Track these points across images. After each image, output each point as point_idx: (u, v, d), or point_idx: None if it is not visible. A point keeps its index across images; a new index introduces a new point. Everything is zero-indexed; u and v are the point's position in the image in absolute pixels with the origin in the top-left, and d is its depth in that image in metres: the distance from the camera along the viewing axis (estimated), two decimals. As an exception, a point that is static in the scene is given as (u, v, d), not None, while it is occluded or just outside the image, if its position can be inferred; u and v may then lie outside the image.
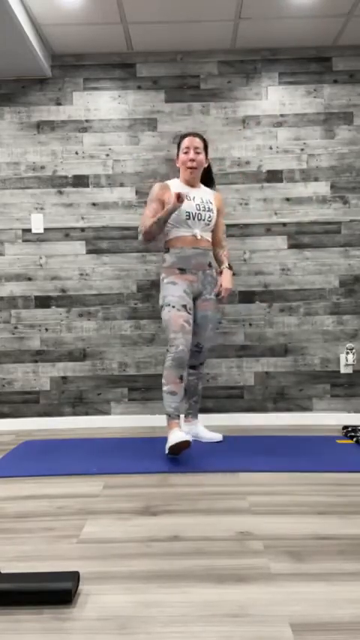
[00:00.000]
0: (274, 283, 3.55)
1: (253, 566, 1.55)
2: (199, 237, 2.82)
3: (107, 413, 3.57)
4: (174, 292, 2.77)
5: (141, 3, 3.03)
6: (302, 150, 3.55)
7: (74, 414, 3.57)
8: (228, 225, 3.56)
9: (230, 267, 2.92)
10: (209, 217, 2.84)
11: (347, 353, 3.53)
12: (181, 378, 2.69)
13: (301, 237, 3.55)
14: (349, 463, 2.52)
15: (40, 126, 3.57)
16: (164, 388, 2.70)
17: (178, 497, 2.15)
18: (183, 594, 1.41)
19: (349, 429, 3.14)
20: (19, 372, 3.57)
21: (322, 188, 3.54)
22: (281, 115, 3.56)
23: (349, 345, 3.54)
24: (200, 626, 1.27)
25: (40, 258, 3.57)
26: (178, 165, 2.89)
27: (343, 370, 3.54)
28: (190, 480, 2.34)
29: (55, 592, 1.37)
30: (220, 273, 2.92)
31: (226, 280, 2.88)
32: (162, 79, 3.57)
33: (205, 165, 2.91)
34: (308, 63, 3.56)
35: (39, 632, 1.26)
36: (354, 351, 3.53)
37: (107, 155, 3.56)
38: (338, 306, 3.55)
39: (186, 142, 2.83)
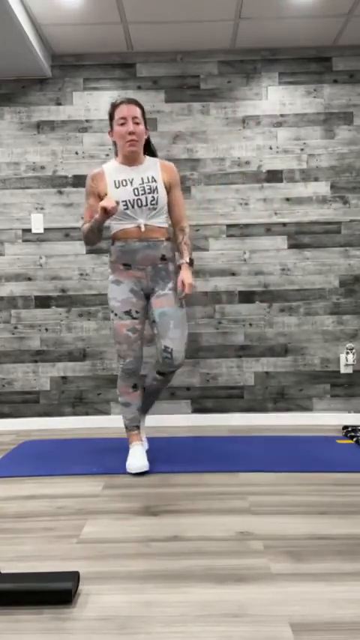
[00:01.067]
0: (274, 283, 3.55)
1: (253, 566, 1.55)
2: (143, 229, 2.42)
3: (107, 413, 3.57)
4: (117, 295, 2.47)
5: (141, 3, 3.03)
6: (302, 150, 3.55)
7: (74, 414, 3.57)
8: (228, 225, 3.55)
9: (190, 262, 2.51)
10: (153, 200, 2.41)
11: (347, 353, 3.53)
12: (134, 386, 2.52)
13: (301, 237, 3.55)
14: (349, 463, 2.52)
15: (40, 126, 3.57)
16: (119, 399, 2.58)
17: (178, 497, 2.14)
18: (183, 594, 1.41)
19: (349, 429, 3.14)
20: (19, 372, 3.57)
21: (322, 188, 3.54)
22: (281, 115, 3.56)
23: (349, 345, 3.54)
24: (200, 626, 1.27)
25: (40, 258, 3.57)
26: (112, 139, 2.49)
27: (343, 370, 3.54)
28: (190, 480, 2.34)
29: (55, 592, 1.37)
30: (179, 268, 2.52)
31: (186, 276, 2.46)
32: (162, 79, 3.57)
33: (146, 137, 2.50)
34: (308, 63, 3.56)
35: (39, 632, 1.26)
36: (354, 351, 3.53)
37: (107, 155, 3.56)
38: (338, 306, 3.55)
39: (122, 111, 2.40)
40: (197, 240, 3.55)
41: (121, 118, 2.40)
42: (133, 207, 2.41)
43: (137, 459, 2.46)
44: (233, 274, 3.55)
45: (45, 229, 3.57)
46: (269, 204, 3.55)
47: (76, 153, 3.57)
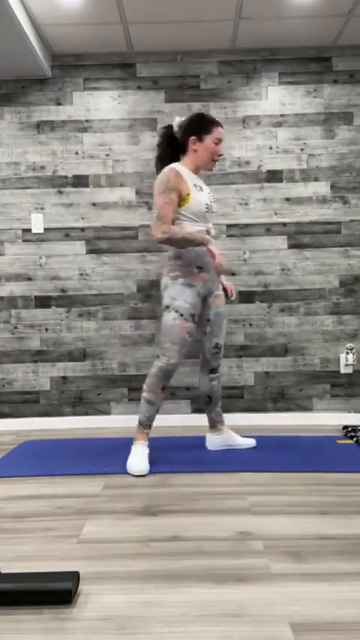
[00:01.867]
0: (274, 283, 3.55)
1: (253, 566, 1.55)
2: (212, 233, 2.66)
3: (107, 413, 3.57)
4: (187, 298, 2.53)
5: (141, 3, 3.03)
6: (302, 150, 3.55)
7: (74, 414, 3.57)
8: (228, 225, 3.56)
9: None
10: (214, 210, 2.67)
11: (347, 353, 3.53)
12: (163, 389, 2.54)
13: (301, 237, 3.55)
14: (349, 463, 2.52)
15: (40, 126, 3.57)
16: (144, 395, 2.54)
17: (178, 497, 2.14)
18: (183, 594, 1.41)
19: (349, 429, 3.14)
20: (19, 372, 3.57)
21: (322, 188, 3.54)
22: (281, 115, 3.56)
23: (349, 345, 3.54)
24: (200, 626, 1.27)
25: (40, 258, 3.57)
26: (194, 146, 2.57)
27: (343, 370, 3.54)
28: (190, 480, 2.34)
29: (55, 592, 1.37)
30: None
31: (225, 280, 2.79)
32: (162, 79, 3.57)
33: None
34: (308, 63, 3.56)
35: (39, 632, 1.26)
36: (354, 351, 3.53)
37: (107, 155, 3.56)
38: (338, 306, 3.55)
39: (220, 133, 2.57)
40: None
41: (218, 139, 2.57)
42: (207, 211, 2.59)
43: (139, 460, 2.45)
44: (233, 274, 3.55)
45: (45, 229, 3.57)
46: (269, 204, 3.55)
47: (76, 153, 3.57)
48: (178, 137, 2.62)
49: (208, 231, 2.62)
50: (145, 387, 2.55)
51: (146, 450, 2.52)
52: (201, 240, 2.46)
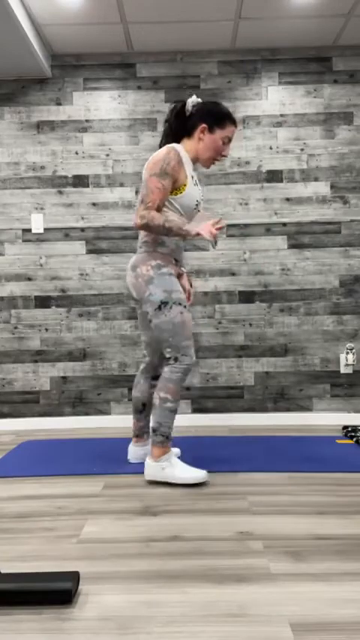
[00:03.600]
0: (274, 283, 3.55)
1: (253, 566, 1.55)
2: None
3: (107, 413, 3.57)
4: (179, 287, 2.28)
5: (141, 3, 3.03)
6: (302, 150, 3.55)
7: (74, 414, 3.57)
8: (228, 225, 3.56)
9: None
10: (200, 208, 2.42)
11: (347, 353, 3.53)
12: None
13: (301, 237, 3.55)
14: (349, 464, 2.52)
15: (40, 126, 3.57)
16: (168, 405, 2.26)
17: (178, 497, 2.14)
18: (183, 594, 1.41)
19: (349, 429, 3.14)
20: (19, 372, 3.57)
21: (322, 188, 3.54)
22: (281, 115, 3.56)
23: (349, 345, 3.54)
24: (200, 626, 1.27)
25: (40, 258, 3.57)
26: (202, 135, 2.30)
27: (343, 370, 3.54)
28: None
29: (55, 592, 1.37)
30: (180, 276, 2.50)
31: (188, 282, 2.53)
32: (162, 79, 3.57)
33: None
34: (308, 63, 3.56)
35: (39, 632, 1.26)
36: (354, 351, 3.53)
37: (107, 155, 3.56)
38: (338, 306, 3.55)
39: (233, 132, 2.33)
40: (198, 240, 3.55)
41: (228, 138, 2.32)
42: (196, 209, 2.36)
43: (190, 470, 2.27)
44: (233, 274, 3.55)
45: (45, 229, 3.57)
46: (269, 204, 3.55)
47: (76, 153, 3.57)
48: (187, 116, 2.34)
49: None
50: (169, 396, 2.25)
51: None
52: (187, 229, 2.17)
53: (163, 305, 2.25)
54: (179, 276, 2.46)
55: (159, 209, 2.23)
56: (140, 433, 2.57)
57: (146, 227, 2.19)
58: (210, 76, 3.56)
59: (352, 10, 3.15)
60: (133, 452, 2.59)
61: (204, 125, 2.29)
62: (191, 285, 2.55)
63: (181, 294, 2.28)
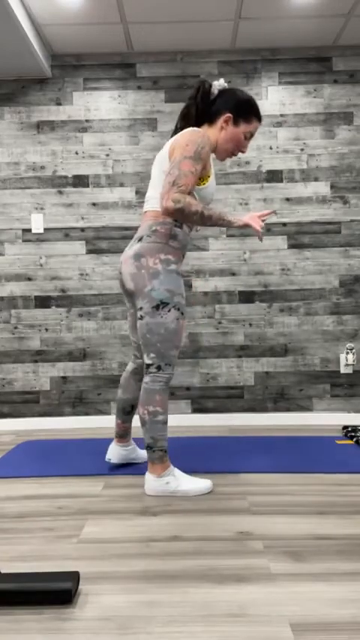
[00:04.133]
0: (274, 283, 3.55)
1: (253, 566, 1.55)
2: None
3: (107, 413, 3.57)
4: (182, 291, 2.15)
5: (141, 3, 3.03)
6: (302, 150, 3.55)
7: (74, 414, 3.57)
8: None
9: None
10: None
11: (347, 353, 3.53)
12: None
13: (301, 237, 3.55)
14: (350, 465, 2.52)
15: (40, 126, 3.57)
16: (159, 418, 2.12)
17: (178, 497, 2.14)
18: (183, 594, 1.41)
19: (349, 429, 3.14)
20: (19, 372, 3.57)
21: (322, 188, 3.54)
22: (281, 115, 3.56)
23: (349, 345, 3.54)
24: (200, 626, 1.27)
25: (40, 258, 3.57)
26: (224, 127, 2.15)
27: (343, 370, 3.54)
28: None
29: (55, 592, 1.37)
30: None
31: None
32: (162, 79, 3.57)
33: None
34: (308, 63, 3.56)
35: (39, 632, 1.26)
36: (354, 351, 3.53)
37: (107, 155, 3.56)
38: (338, 306, 3.55)
39: (256, 127, 2.20)
40: (197, 240, 3.55)
41: (250, 133, 2.19)
42: (209, 204, 2.25)
43: (194, 481, 2.18)
44: (233, 274, 3.55)
45: (45, 229, 3.57)
46: (269, 204, 3.55)
47: (76, 153, 3.57)
48: (212, 100, 2.18)
49: None
50: (158, 408, 2.12)
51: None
52: (229, 219, 2.05)
53: (162, 305, 2.08)
54: None
55: (191, 195, 2.04)
56: (124, 434, 2.44)
57: (179, 212, 2.00)
58: (210, 76, 3.56)
59: (352, 10, 3.15)
60: (116, 452, 2.46)
61: (229, 115, 2.13)
62: None
63: (183, 298, 2.14)
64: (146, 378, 2.14)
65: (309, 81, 3.56)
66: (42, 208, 3.57)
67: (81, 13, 3.12)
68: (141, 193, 3.55)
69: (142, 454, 2.58)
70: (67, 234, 3.57)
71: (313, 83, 3.55)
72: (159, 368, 2.12)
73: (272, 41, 3.47)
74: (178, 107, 3.55)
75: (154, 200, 2.15)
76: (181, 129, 2.19)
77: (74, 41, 3.41)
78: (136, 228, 3.56)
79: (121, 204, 3.56)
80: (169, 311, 2.09)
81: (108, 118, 3.57)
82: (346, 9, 3.14)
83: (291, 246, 3.55)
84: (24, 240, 3.57)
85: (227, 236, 3.55)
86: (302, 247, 3.55)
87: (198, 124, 2.20)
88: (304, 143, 3.55)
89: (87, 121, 3.57)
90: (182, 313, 2.13)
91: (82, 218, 3.56)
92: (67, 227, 3.57)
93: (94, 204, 3.56)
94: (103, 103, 3.57)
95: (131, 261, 2.12)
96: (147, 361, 2.13)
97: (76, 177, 3.57)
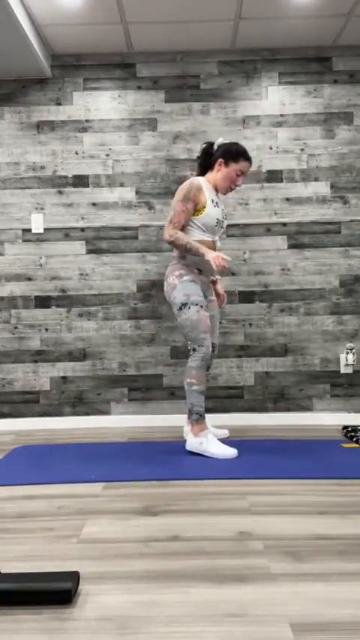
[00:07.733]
0: (274, 283, 3.55)
1: (253, 566, 1.55)
2: (218, 245, 2.86)
3: (107, 413, 3.57)
4: (197, 291, 2.76)
5: (141, 3, 3.03)
6: (302, 150, 3.55)
7: (74, 414, 3.57)
8: (228, 226, 3.56)
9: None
10: (225, 226, 2.94)
11: (347, 353, 3.53)
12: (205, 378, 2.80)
13: (301, 237, 3.55)
14: (354, 469, 2.45)
15: (40, 126, 3.57)
16: (194, 387, 2.72)
17: (178, 497, 2.14)
18: (183, 594, 1.41)
19: (349, 429, 3.14)
20: (19, 372, 3.57)
21: (322, 188, 3.54)
22: (281, 115, 3.56)
23: (349, 345, 3.54)
24: (200, 626, 1.27)
25: (40, 258, 3.57)
26: (220, 168, 2.80)
27: (343, 370, 3.54)
28: (190, 481, 2.34)
29: (55, 592, 1.37)
30: (215, 282, 2.99)
31: (222, 288, 3.05)
32: (162, 79, 3.57)
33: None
34: (308, 63, 3.56)
35: (39, 632, 1.26)
36: (354, 351, 3.53)
37: (107, 155, 3.57)
38: (338, 306, 3.55)
39: (246, 167, 2.80)
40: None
41: (241, 171, 2.79)
42: (218, 226, 2.81)
43: (222, 447, 2.67)
44: (233, 274, 3.55)
45: (45, 229, 3.57)
46: (269, 204, 3.55)
47: (76, 153, 3.57)
48: (212, 153, 2.87)
49: (214, 242, 2.82)
50: (194, 380, 2.72)
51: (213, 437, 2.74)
52: (202, 252, 2.67)
53: (183, 306, 2.74)
54: (213, 282, 2.96)
55: (183, 228, 2.76)
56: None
57: (172, 243, 2.73)
58: (210, 76, 3.56)
59: (352, 10, 3.15)
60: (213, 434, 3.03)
61: (221, 160, 2.80)
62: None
63: (199, 296, 2.74)
64: (189, 359, 2.78)
65: (309, 81, 3.56)
66: (42, 208, 3.57)
67: (81, 13, 3.12)
68: (141, 193, 3.55)
69: (215, 431, 3.09)
70: (67, 234, 3.57)
71: (313, 83, 3.55)
72: (194, 350, 2.75)
73: (272, 41, 3.47)
74: (178, 107, 3.56)
75: None
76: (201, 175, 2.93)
77: (74, 41, 3.41)
78: (136, 228, 3.56)
79: (121, 204, 3.56)
80: (189, 308, 2.73)
81: (108, 118, 3.57)
82: (346, 9, 3.14)
83: (291, 246, 3.55)
84: (24, 240, 3.57)
85: (227, 236, 3.55)
86: (302, 247, 3.55)
87: (204, 172, 2.91)
88: (304, 143, 3.55)
89: (87, 121, 3.57)
90: (202, 306, 2.74)
91: (82, 218, 3.56)
92: (67, 227, 3.57)
93: (94, 204, 3.56)
94: (103, 103, 3.57)
95: (165, 282, 2.88)
96: (187, 347, 2.79)
97: (76, 177, 3.57)
